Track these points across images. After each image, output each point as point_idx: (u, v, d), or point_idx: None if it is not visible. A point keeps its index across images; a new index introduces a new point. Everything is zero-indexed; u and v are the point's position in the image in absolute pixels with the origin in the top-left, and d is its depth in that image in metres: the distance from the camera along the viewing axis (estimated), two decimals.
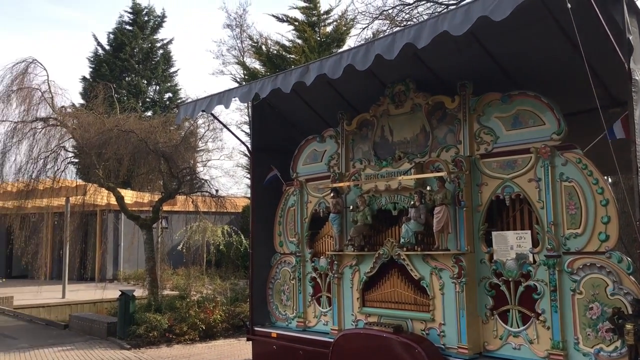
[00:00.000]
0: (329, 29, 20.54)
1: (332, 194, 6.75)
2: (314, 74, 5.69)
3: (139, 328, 10.32)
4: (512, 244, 5.35)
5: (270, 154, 7.95)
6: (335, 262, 6.72)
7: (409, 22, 14.05)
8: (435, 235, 5.71)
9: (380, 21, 15.64)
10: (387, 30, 14.44)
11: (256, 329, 7.58)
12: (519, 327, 5.24)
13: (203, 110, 7.37)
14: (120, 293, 11.12)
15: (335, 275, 6.71)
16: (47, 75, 14.09)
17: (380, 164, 6.41)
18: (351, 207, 6.60)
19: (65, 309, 15.68)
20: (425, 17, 13.92)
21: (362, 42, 12.81)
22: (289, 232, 7.58)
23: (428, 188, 5.86)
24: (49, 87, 14.03)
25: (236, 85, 25.26)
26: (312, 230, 7.34)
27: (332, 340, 6.37)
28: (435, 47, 4.82)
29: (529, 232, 5.27)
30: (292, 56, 19.46)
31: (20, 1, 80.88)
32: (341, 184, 6.74)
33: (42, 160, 13.60)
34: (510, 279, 5.30)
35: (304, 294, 7.23)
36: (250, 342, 7.73)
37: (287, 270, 7.54)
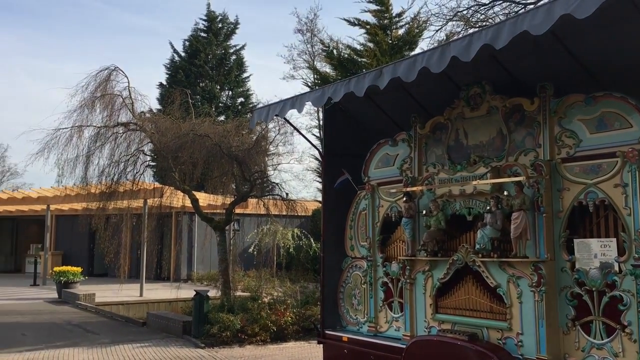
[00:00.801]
0: (400, 31, 20.41)
1: (404, 198, 6.68)
2: (387, 77, 5.66)
3: (213, 328, 10.57)
4: (596, 252, 5.10)
5: (341, 158, 7.95)
6: (408, 267, 6.64)
7: (484, 23, 13.73)
8: (513, 242, 5.53)
9: (454, 22, 15.38)
10: (462, 32, 14.16)
11: (327, 332, 7.59)
12: (602, 339, 4.99)
13: (276, 115, 7.49)
14: (194, 293, 11.43)
15: (408, 281, 6.62)
16: (128, 82, 14.70)
17: (454, 168, 6.29)
18: (424, 212, 6.50)
19: (142, 307, 16.30)
20: (502, 17, 13.57)
21: (436, 44, 12.62)
22: (360, 236, 7.56)
23: (505, 193, 5.68)
24: (130, 94, 14.65)
25: (307, 89, 25.55)
26: (384, 235, 7.29)
27: (404, 346, 6.30)
28: (513, 47, 4.69)
29: (614, 240, 5.01)
30: (364, 60, 19.45)
31: (102, 11, 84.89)
32: (414, 188, 6.65)
33: (122, 163, 14.18)
34: (593, 289, 5.06)
35: (375, 299, 7.18)
36: (321, 345, 7.76)
37: (358, 274, 7.51)
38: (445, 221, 6.27)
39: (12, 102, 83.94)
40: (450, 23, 15.58)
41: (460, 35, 12.36)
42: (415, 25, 20.14)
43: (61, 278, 18.18)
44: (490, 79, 6.14)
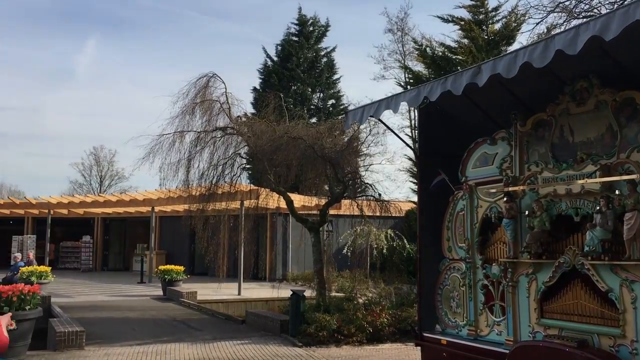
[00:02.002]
0: (497, 26, 19.81)
1: (505, 199, 6.47)
2: (486, 74, 5.51)
3: (310, 327, 10.71)
4: None
5: (437, 158, 7.83)
6: (510, 269, 6.42)
7: (588, 14, 13.01)
8: (626, 244, 5.21)
9: (556, 14, 14.69)
10: (565, 24, 13.50)
11: (425, 334, 7.49)
12: None
13: (371, 116, 7.49)
14: (291, 293, 11.64)
15: (510, 284, 6.41)
16: (225, 88, 15.17)
17: (559, 166, 6.01)
18: (527, 213, 6.27)
19: (241, 306, 16.80)
20: (607, 7, 12.83)
21: (536, 38, 12.10)
22: (458, 238, 7.40)
23: (617, 192, 5.36)
24: (227, 99, 15.12)
25: (399, 89, 25.36)
26: (483, 236, 7.09)
27: (506, 351, 6.10)
28: (623, 38, 4.42)
29: None
30: (458, 57, 19.05)
31: (198, 21, 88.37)
32: (515, 188, 6.42)
33: (220, 166, 14.64)
34: None
35: (475, 302, 7.00)
36: (419, 347, 7.67)
37: (456, 276, 7.36)
38: (550, 222, 6.02)
39: (119, 110, 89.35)
40: (551, 15, 14.91)
41: (563, 28, 11.79)
42: (513, 19, 19.45)
43: (165, 276, 19.10)
44: (598, 72, 5.83)
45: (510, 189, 6.45)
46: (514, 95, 6.92)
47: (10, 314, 4.17)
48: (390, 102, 7.04)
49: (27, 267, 19.68)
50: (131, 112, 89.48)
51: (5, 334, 3.88)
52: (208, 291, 18.39)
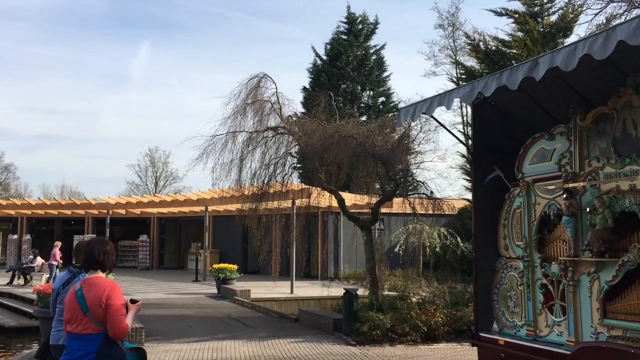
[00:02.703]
0: (553, 18, 19.24)
1: (564, 195, 6.28)
2: (544, 67, 5.37)
3: (363, 326, 10.69)
4: None
5: (492, 154, 7.68)
6: (570, 268, 6.23)
7: None
8: None
9: (616, 4, 14.17)
10: (625, 14, 13.01)
11: (482, 334, 7.36)
12: None
13: (423, 113, 7.41)
14: (344, 291, 11.64)
15: (570, 283, 6.22)
16: (276, 88, 15.29)
17: (622, 161, 5.80)
18: (588, 210, 6.07)
19: (293, 304, 16.93)
20: None
21: (595, 29, 11.73)
22: (514, 236, 7.23)
23: None
24: (278, 99, 15.24)
25: (451, 85, 25.00)
26: (541, 234, 6.91)
27: (568, 352, 5.93)
28: None
29: None
30: (513, 50, 18.59)
31: (246, 22, 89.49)
32: (575, 185, 6.23)
33: (272, 166, 14.77)
34: None
35: (533, 302, 6.83)
36: (475, 347, 7.55)
37: (513, 275, 7.19)
38: (613, 219, 5.81)
39: (172, 112, 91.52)
40: (610, 5, 14.39)
41: (624, 18, 11.35)
42: (570, 10, 18.84)
43: (220, 275, 19.44)
44: None
45: (570, 185, 6.26)
46: (572, 89, 6.72)
47: (140, 302, 4.43)
48: (443, 99, 6.95)
49: None
50: (184, 113, 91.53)
51: (130, 322, 4.23)
52: (261, 289, 18.61)
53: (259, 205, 15.18)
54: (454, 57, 26.49)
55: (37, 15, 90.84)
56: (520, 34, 18.76)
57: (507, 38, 19.36)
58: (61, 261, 21.11)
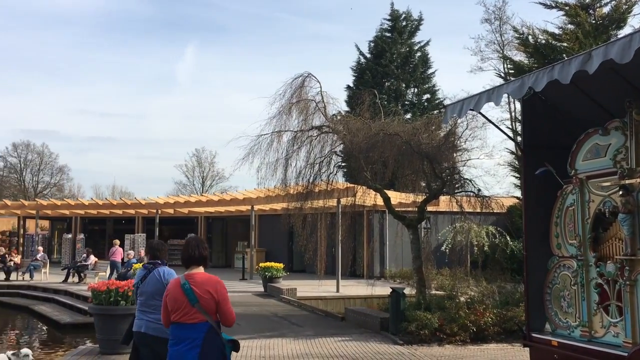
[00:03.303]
0: (605, 9, 18.61)
1: (620, 192, 6.07)
2: (597, 60, 5.20)
3: (410, 325, 10.59)
4: None
5: (542, 151, 7.48)
6: (627, 267, 6.02)
7: None
8: None
9: None
10: None
11: (534, 335, 7.19)
12: None
13: (471, 109, 7.28)
14: (391, 290, 11.57)
15: (627, 283, 6.01)
16: (320, 87, 15.32)
17: None
18: None
19: (339, 302, 16.93)
20: None
21: None
22: (567, 234, 7.03)
23: None
24: (322, 98, 15.26)
25: (499, 80, 24.52)
26: (596, 232, 6.70)
27: (624, 354, 5.74)
28: None
29: None
30: (564, 44, 18.07)
31: (289, 22, 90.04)
32: (632, 181, 6.01)
33: (317, 164, 14.80)
34: None
35: (588, 302, 6.62)
36: (527, 348, 7.39)
37: (567, 274, 7.00)
38: None
39: (218, 113, 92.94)
40: None
41: None
42: (624, 1, 18.17)
43: (266, 273, 19.61)
44: None
45: (627, 181, 6.05)
46: (627, 82, 6.48)
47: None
48: (492, 94, 6.81)
49: (139, 264, 20.92)
50: (229, 114, 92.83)
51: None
52: (307, 288, 18.67)
53: (305, 204, 15.24)
54: (501, 52, 25.98)
55: (88, 20, 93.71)
56: (571, 26, 18.21)
57: (557, 31, 18.84)
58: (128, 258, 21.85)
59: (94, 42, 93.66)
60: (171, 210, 30.78)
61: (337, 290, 18.47)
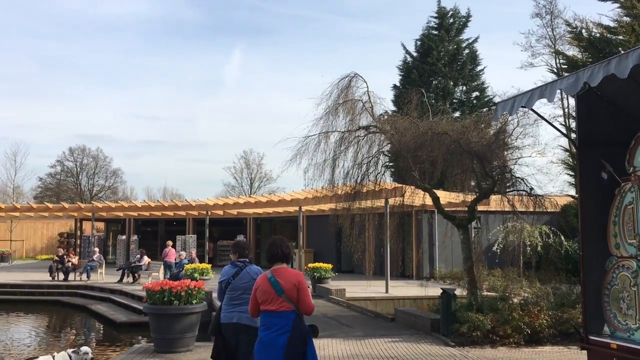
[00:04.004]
0: None
1: None
2: None
3: (462, 327, 10.42)
4: None
5: (598, 148, 7.24)
6: None
7: None
8: None
9: None
10: None
11: (591, 337, 6.96)
12: None
13: (523, 106, 7.11)
14: (441, 291, 11.42)
15: None
16: (367, 87, 15.26)
17: None
18: None
19: (388, 303, 16.85)
20: None
21: None
22: (626, 234, 6.78)
23: None
24: (369, 98, 15.20)
25: (551, 76, 23.89)
26: None
27: None
28: None
29: None
30: (619, 37, 17.45)
31: (333, 22, 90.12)
32: None
33: (365, 165, 14.75)
34: None
35: None
36: (584, 351, 7.16)
37: (626, 275, 6.74)
38: None
39: (265, 115, 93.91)
40: None
41: None
42: None
43: (315, 274, 19.67)
44: None
45: None
46: None
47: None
48: (545, 91, 6.63)
49: (190, 264, 21.35)
50: (275, 116, 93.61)
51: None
52: (356, 289, 18.64)
53: (352, 204, 15.20)
54: (553, 46, 25.29)
55: (139, 27, 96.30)
56: (627, 19, 17.55)
57: (612, 24, 18.20)
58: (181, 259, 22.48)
59: (144, 49, 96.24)
60: (221, 212, 31.27)
61: (386, 291, 18.38)
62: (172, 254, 23.12)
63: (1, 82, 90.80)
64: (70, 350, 8.88)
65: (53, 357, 8.59)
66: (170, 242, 24.62)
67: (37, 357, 8.64)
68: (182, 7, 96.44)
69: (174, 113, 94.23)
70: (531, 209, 13.56)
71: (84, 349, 9.02)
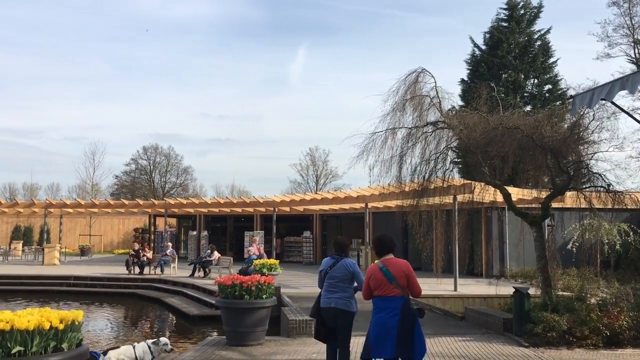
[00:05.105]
0: None
1: None
2: None
3: (536, 327, 10.10)
4: None
5: None
6: None
7: None
8: None
9: None
10: None
11: None
12: None
13: (602, 99, 6.84)
14: (514, 290, 11.13)
15: None
16: (435, 82, 15.01)
17: None
18: None
19: (457, 301, 16.58)
20: None
21: None
22: None
23: None
24: (437, 93, 14.95)
25: (630, 66, 22.79)
26: None
27: None
28: None
29: None
30: None
31: (399, 18, 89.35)
32: None
33: (432, 161, 14.55)
34: None
35: None
36: None
37: None
38: None
39: (329, 112, 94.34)
40: None
41: None
42: None
43: None
44: None
45: None
46: None
47: None
48: (626, 82, 6.36)
49: (258, 260, 21.74)
50: (340, 113, 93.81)
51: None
52: (423, 286, 17.85)
53: (420, 201, 15.03)
54: (631, 36, 24.13)
55: (206, 29, 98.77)
56: None
57: None
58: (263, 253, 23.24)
59: (211, 48, 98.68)
60: (287, 208, 31.64)
61: (455, 289, 18.11)
62: (255, 249, 23.82)
63: (79, 84, 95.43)
64: (150, 342, 9.23)
65: (134, 347, 8.97)
66: (256, 238, 25.52)
67: (118, 347, 9.04)
68: (247, 7, 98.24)
69: (240, 111, 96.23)
70: (609, 206, 12.98)
71: (163, 339, 9.37)
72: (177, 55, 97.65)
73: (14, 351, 5.47)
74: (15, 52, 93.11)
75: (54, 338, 5.72)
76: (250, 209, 33.27)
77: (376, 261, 6.36)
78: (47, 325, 5.63)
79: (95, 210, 35.34)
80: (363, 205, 25.36)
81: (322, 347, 9.93)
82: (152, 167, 67.67)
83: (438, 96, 15.02)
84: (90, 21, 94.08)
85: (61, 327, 5.76)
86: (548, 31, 33.98)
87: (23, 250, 38.87)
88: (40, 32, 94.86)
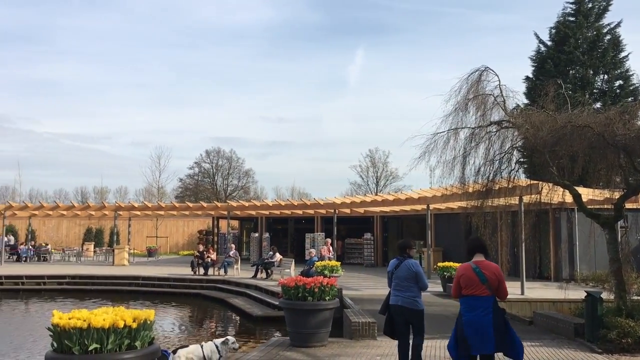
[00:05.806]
0: None
1: None
2: None
3: (610, 333, 9.69)
4: None
5: None
6: None
7: None
8: None
9: None
10: None
11: None
12: None
13: None
14: (585, 294, 10.72)
15: None
16: (499, 81, 14.64)
17: None
18: None
19: (524, 305, 16.13)
20: None
21: None
22: None
23: None
24: (501, 92, 14.58)
25: None
26: None
27: None
28: None
29: None
30: None
31: (460, 17, 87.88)
32: None
33: (497, 161, 14.20)
34: None
35: None
36: None
37: None
38: None
39: (388, 113, 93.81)
40: None
41: None
42: None
43: (444, 273, 19.31)
44: None
45: None
46: None
47: None
48: None
49: (320, 261, 21.85)
50: (399, 114, 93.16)
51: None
52: None
53: (484, 202, 14.71)
54: None
55: (263, 33, 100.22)
56: None
57: None
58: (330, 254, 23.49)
59: (268, 53, 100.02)
60: (348, 210, 31.64)
61: (522, 293, 17.63)
62: (326, 250, 24.08)
63: (145, 91, 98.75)
64: (217, 341, 9.45)
65: (201, 346, 9.19)
66: (328, 240, 25.80)
67: (187, 346, 9.29)
68: (304, 11, 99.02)
69: (299, 114, 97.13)
70: None
71: (231, 339, 9.59)
72: (235, 60, 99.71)
73: (90, 348, 5.70)
74: (85, 60, 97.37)
75: (127, 336, 5.93)
76: (311, 211, 33.45)
77: (471, 262, 6.68)
78: (121, 324, 5.84)
79: (162, 212, 36.43)
80: (424, 206, 25.05)
81: (385, 350, 9.89)
82: (214, 170, 69.20)
83: (502, 95, 14.65)
84: (152, 30, 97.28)
85: (134, 325, 5.97)
86: (618, 25, 32.60)
87: (94, 252, 40.55)
88: (106, 41, 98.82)
